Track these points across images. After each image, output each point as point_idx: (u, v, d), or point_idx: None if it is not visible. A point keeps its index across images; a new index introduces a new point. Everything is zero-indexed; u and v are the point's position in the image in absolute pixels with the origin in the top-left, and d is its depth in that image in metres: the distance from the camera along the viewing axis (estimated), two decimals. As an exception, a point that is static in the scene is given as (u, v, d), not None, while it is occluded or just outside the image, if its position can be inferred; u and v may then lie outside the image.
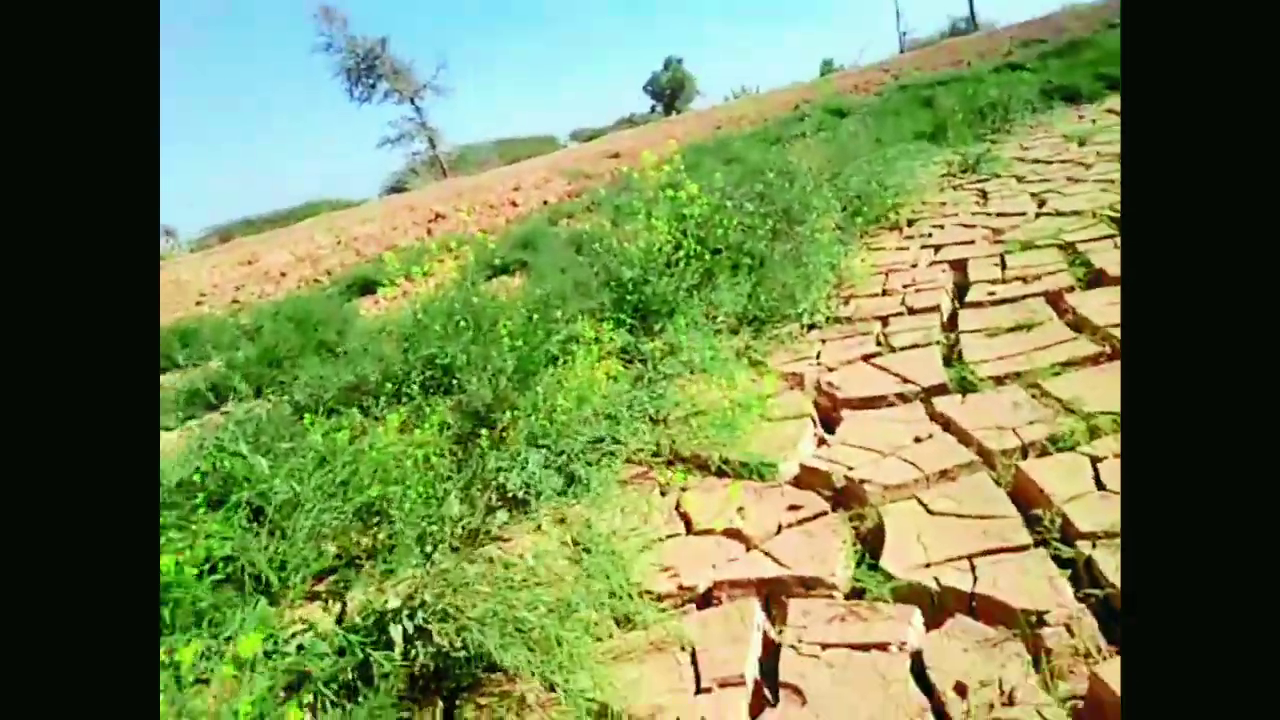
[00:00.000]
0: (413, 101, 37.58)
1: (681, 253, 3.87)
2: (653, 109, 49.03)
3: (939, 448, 2.39)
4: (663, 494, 2.54)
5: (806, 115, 13.84)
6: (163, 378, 6.00)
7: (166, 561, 2.07)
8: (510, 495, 2.44)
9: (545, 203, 11.29)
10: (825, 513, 2.21)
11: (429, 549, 2.32)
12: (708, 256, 4.05)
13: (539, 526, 2.43)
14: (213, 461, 2.71)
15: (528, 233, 7.88)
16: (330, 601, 2.46)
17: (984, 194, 5.84)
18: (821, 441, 2.71)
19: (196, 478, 2.70)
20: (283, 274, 10.22)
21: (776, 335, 3.66)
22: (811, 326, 3.74)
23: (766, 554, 2.08)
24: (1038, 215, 4.75)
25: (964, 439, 2.39)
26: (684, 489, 2.54)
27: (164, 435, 4.43)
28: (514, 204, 12.13)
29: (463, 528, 2.44)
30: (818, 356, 3.37)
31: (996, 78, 11.11)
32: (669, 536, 2.27)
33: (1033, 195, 5.29)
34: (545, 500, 2.42)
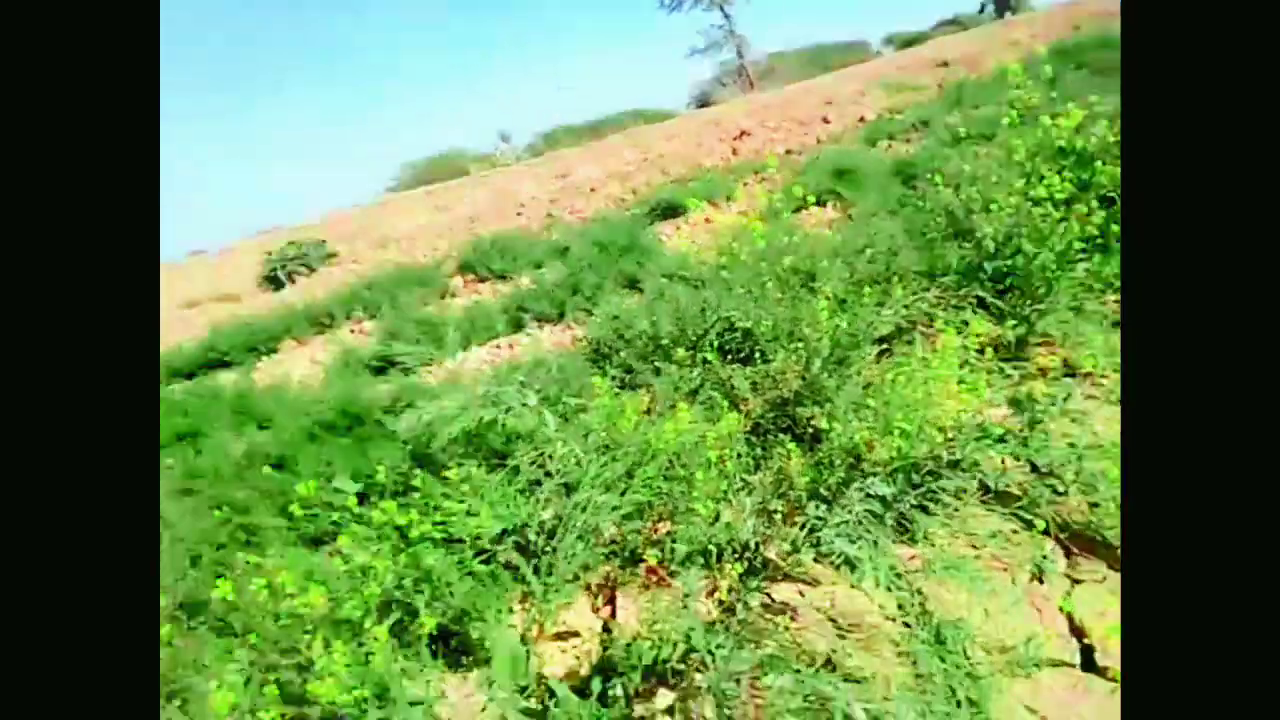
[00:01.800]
0: (722, 8, 36.46)
1: (1058, 205, 2.80)
2: (982, 8, 41.89)
3: None
4: (1039, 580, 1.81)
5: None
6: (479, 287, 6.41)
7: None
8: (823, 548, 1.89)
9: (862, 119, 10.03)
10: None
11: (710, 584, 1.91)
12: (1096, 209, 2.89)
13: (856, 583, 1.87)
14: (497, 415, 2.56)
15: (843, 157, 6.93)
16: (600, 598, 2.21)
17: None
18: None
19: (481, 430, 2.60)
20: (592, 189, 10.50)
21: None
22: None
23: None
24: None
25: None
26: (1071, 579, 1.78)
27: (470, 353, 4.64)
28: (826, 120, 11.00)
29: (755, 557, 1.98)
30: None
31: None
32: (1054, 664, 1.56)
33: None
34: (869, 559, 1.83)
